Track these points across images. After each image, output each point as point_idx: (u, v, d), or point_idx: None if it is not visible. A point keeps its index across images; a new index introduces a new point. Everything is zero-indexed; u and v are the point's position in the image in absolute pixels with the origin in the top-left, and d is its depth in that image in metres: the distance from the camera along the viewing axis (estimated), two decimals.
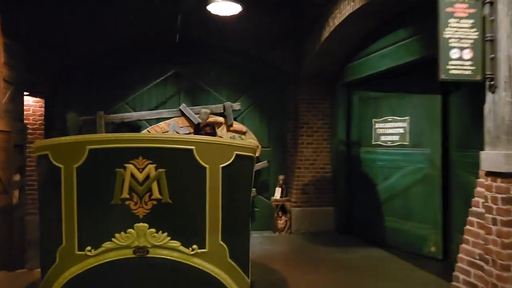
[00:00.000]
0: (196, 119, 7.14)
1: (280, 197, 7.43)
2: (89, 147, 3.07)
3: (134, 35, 6.96)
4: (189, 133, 7.04)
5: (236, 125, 7.39)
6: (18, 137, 5.23)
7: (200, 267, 3.16)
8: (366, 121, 6.92)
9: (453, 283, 3.93)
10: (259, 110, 7.70)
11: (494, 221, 3.50)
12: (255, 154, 3.48)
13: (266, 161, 7.54)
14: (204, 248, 3.17)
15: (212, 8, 5.65)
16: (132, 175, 3.07)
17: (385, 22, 5.87)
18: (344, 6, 5.64)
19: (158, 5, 6.72)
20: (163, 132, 6.93)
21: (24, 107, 5.88)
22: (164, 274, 3.16)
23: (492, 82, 3.65)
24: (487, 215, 3.59)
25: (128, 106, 7.32)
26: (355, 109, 7.24)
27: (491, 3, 3.67)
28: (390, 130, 6.39)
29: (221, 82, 7.57)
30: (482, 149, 3.74)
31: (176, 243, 3.14)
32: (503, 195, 3.45)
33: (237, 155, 3.19)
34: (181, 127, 7.18)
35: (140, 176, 3.07)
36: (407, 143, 6.09)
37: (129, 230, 3.10)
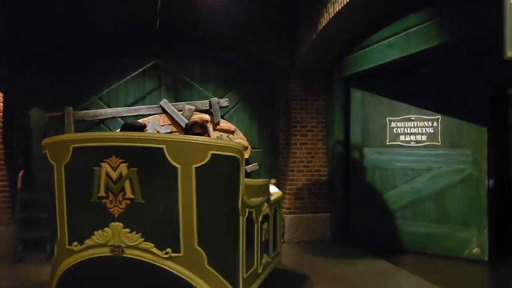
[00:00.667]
0: (180, 116, 6.40)
1: None
2: (72, 146, 3.19)
3: (108, 20, 6.20)
4: (171, 132, 6.31)
5: (224, 124, 6.69)
6: None
7: (174, 272, 3.06)
8: (375, 120, 6.58)
9: None
10: (248, 107, 7.04)
11: None
12: (240, 155, 3.18)
13: (256, 164, 6.87)
14: (179, 252, 3.06)
15: None
16: (107, 174, 3.10)
17: (392, 7, 5.30)
18: None
19: None
20: None
21: None
22: (139, 275, 3.12)
23: None
24: None
25: (101, 101, 6.50)
26: (357, 107, 6.75)
27: None
28: (414, 129, 6.25)
29: (206, 76, 6.84)
30: None
31: (149, 245, 3.08)
32: None
33: (213, 155, 3.04)
34: (162, 126, 6.42)
35: (114, 175, 3.09)
36: (438, 143, 6.04)
37: (106, 228, 3.13)
